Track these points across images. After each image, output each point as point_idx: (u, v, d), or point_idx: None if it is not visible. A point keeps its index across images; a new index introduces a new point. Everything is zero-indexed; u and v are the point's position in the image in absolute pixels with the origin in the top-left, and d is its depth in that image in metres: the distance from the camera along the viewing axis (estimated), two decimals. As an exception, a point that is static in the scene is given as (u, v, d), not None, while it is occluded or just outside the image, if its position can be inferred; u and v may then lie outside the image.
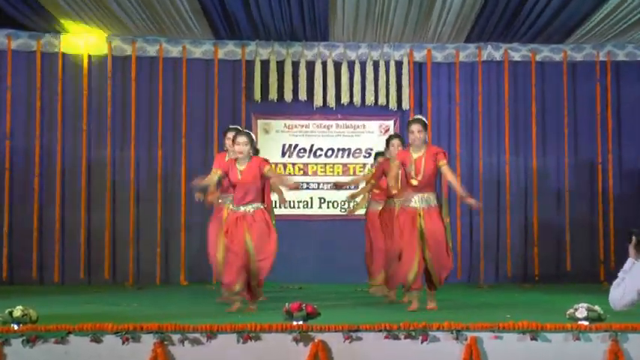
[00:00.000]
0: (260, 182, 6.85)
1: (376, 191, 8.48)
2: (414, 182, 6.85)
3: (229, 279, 6.71)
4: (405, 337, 4.94)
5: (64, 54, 10.47)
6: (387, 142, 8.12)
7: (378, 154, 8.72)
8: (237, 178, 6.78)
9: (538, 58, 10.92)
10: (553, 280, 10.52)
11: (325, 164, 10.87)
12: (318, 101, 10.77)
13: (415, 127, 6.91)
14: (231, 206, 6.92)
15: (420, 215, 6.80)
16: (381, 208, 8.10)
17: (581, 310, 5.05)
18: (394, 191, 7.45)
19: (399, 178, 7.21)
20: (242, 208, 6.76)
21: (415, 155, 6.91)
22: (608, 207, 10.77)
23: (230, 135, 7.62)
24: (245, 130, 7.16)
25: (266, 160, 7.05)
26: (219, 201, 7.91)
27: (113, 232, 10.43)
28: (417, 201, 6.86)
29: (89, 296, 8.43)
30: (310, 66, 10.80)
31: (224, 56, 10.76)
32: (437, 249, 6.79)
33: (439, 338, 4.97)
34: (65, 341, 4.89)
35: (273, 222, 6.99)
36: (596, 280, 10.35)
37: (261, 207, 6.84)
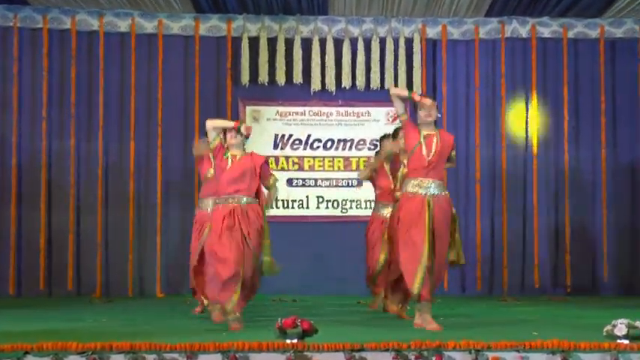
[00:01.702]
0: (254, 177, 6.80)
1: (378, 191, 8.48)
2: (426, 161, 6.67)
3: (223, 296, 6.62)
4: (417, 358, 4.94)
5: (20, 29, 10.46)
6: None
7: (384, 137, 8.62)
8: (226, 166, 6.75)
9: (571, 34, 10.92)
10: (587, 292, 10.54)
11: (324, 157, 10.88)
12: (315, 85, 10.77)
13: (429, 101, 6.85)
14: (216, 201, 6.86)
15: (428, 204, 6.61)
16: (387, 211, 8.07)
17: (620, 327, 5.05)
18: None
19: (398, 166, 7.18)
20: (231, 200, 6.72)
21: (425, 132, 6.83)
22: (652, 208, 10.82)
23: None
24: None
25: (267, 162, 7.01)
26: (200, 206, 7.97)
27: (77, 237, 10.44)
28: (425, 186, 6.74)
29: (49, 310, 8.42)
30: (306, 44, 10.80)
31: (206, 32, 10.76)
32: (441, 248, 6.67)
33: (455, 359, 4.98)
34: (22, 362, 4.90)
35: (266, 227, 6.92)
36: (638, 293, 10.37)
37: (255, 202, 6.79)
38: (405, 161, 7.12)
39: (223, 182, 6.77)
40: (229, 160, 6.77)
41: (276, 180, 7.03)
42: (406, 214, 6.66)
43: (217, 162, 6.83)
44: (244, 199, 6.74)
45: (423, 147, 6.72)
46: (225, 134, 6.87)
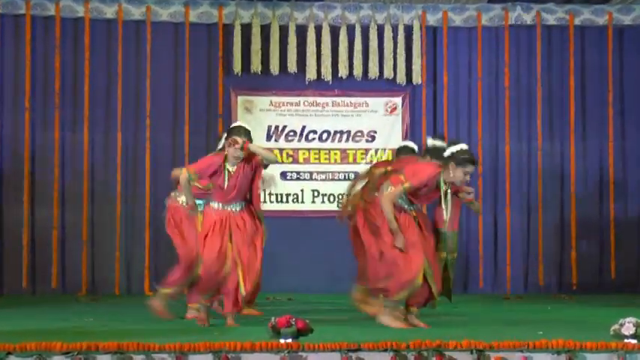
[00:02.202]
0: (248, 184, 6.93)
1: None
2: (445, 221, 6.84)
3: (198, 290, 6.89)
4: (416, 359, 4.94)
5: (2, 15, 10.44)
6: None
7: (402, 150, 7.85)
8: (226, 183, 6.83)
9: (577, 21, 10.92)
10: (594, 290, 10.56)
11: (319, 150, 10.88)
12: (310, 74, 10.76)
13: (472, 169, 6.70)
14: (215, 205, 6.93)
15: (415, 218, 6.88)
16: None
17: (627, 326, 5.06)
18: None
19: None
20: (228, 208, 6.86)
21: (445, 188, 6.78)
22: (663, 202, 10.84)
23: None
24: (244, 127, 7.06)
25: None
26: (176, 200, 7.88)
27: (62, 232, 10.43)
28: (412, 210, 6.93)
29: (33, 309, 8.42)
30: (301, 31, 10.79)
31: (197, 19, 10.74)
32: (431, 249, 6.87)
33: (456, 359, 4.99)
34: (4, 363, 4.90)
35: (263, 228, 7.03)
36: (646, 291, 10.42)
37: (249, 204, 6.95)
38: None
39: (219, 196, 6.88)
40: (226, 178, 6.82)
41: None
42: (405, 222, 6.81)
43: (216, 180, 6.86)
44: (238, 205, 6.88)
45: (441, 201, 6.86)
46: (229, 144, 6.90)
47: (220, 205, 6.87)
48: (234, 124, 7.13)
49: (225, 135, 6.98)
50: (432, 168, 6.79)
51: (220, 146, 7.33)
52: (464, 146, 6.75)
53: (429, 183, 6.73)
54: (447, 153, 6.72)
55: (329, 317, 7.43)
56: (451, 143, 6.83)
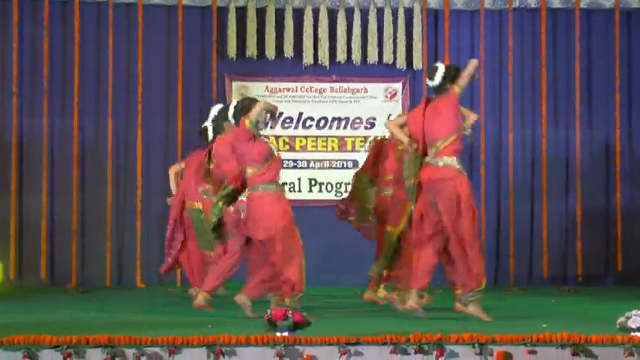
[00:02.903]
0: None
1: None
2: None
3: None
4: (416, 352, 4.96)
5: (-13, -3, 10.43)
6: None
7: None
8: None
9: (583, 4, 10.90)
10: (600, 282, 10.59)
11: (317, 137, 10.87)
12: (307, 58, 10.74)
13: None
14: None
15: None
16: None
17: (635, 319, 5.07)
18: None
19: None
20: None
21: None
22: (671, 191, 10.84)
23: None
24: None
25: None
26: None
27: (51, 222, 10.42)
28: None
29: (21, 301, 8.43)
30: (298, 14, 10.76)
31: (190, 2, 10.71)
32: None
33: (458, 353, 4.99)
34: (-9, 357, 4.90)
35: None
36: (654, 283, 10.43)
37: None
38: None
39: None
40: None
41: None
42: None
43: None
44: None
45: None
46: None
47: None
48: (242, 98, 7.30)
49: (241, 105, 7.02)
50: (452, 106, 7.04)
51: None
52: (442, 65, 7.10)
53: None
54: (436, 81, 6.96)
55: (326, 310, 7.44)
56: (431, 72, 7.03)
